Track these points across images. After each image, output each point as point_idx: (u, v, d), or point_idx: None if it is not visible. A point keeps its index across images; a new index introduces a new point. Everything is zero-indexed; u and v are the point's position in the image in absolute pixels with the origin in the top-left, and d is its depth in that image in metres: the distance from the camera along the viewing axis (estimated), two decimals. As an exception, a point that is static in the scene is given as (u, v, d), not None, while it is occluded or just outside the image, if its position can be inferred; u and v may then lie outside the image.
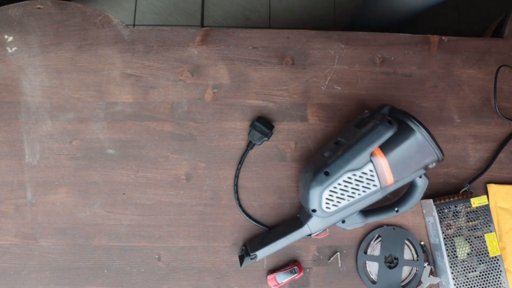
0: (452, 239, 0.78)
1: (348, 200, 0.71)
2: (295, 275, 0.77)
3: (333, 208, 0.71)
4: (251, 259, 0.75)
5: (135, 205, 0.82)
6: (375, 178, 0.69)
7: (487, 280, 0.77)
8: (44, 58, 0.85)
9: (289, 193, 0.82)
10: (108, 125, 0.84)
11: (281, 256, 0.81)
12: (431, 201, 0.79)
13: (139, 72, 0.85)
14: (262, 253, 0.75)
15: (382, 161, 0.69)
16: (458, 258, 0.77)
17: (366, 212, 0.76)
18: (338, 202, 0.70)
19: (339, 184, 0.69)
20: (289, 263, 0.80)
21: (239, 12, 1.64)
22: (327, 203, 0.70)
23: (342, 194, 0.70)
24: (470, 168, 0.84)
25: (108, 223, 0.81)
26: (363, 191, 0.70)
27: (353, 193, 0.70)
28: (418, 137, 0.69)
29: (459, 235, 0.78)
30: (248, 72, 0.86)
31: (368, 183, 0.70)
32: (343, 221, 0.74)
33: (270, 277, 0.78)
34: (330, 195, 0.70)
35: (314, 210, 0.71)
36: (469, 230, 0.78)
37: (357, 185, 0.70)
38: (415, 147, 0.69)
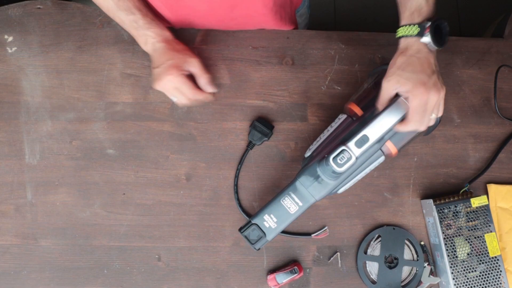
0: (452, 239, 0.78)
1: (323, 135, 0.74)
2: (295, 275, 0.77)
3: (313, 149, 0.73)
4: (249, 226, 0.72)
5: (135, 205, 0.82)
6: None
7: (487, 280, 0.77)
8: (44, 58, 0.85)
9: (289, 193, 0.82)
10: (108, 125, 0.84)
11: (281, 256, 0.81)
12: (431, 201, 0.79)
13: (139, 72, 0.85)
14: (260, 217, 0.72)
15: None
16: (458, 258, 0.77)
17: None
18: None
19: None
20: (289, 263, 0.80)
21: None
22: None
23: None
24: (470, 168, 0.84)
25: (108, 223, 0.81)
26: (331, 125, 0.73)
27: None
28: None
29: (459, 235, 0.78)
30: (248, 72, 0.86)
31: None
32: (335, 160, 0.67)
33: (270, 277, 0.78)
34: None
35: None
36: (469, 230, 0.78)
37: None
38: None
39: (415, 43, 0.62)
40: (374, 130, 0.64)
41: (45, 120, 0.83)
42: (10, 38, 0.86)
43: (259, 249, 0.72)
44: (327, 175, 0.68)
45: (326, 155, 0.67)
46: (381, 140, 0.68)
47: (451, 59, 0.87)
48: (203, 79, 0.76)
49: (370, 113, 0.70)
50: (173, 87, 0.74)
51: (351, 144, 0.65)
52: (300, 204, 0.71)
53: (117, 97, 0.84)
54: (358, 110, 0.72)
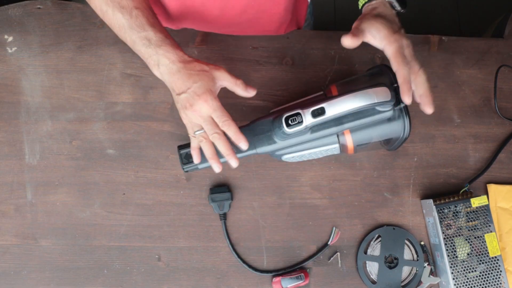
0: (452, 239, 0.78)
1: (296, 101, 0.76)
2: (301, 281, 0.77)
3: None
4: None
5: (135, 205, 0.82)
6: None
7: (487, 280, 0.77)
8: (44, 58, 0.85)
9: (289, 193, 0.82)
10: (108, 125, 0.84)
11: (281, 256, 0.81)
12: (431, 201, 0.79)
13: (139, 72, 0.85)
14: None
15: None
16: (458, 258, 0.77)
17: None
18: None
19: None
20: (296, 269, 0.80)
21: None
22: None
23: None
24: (470, 168, 0.84)
25: (108, 223, 0.81)
26: None
27: None
28: None
29: (459, 235, 0.78)
30: (248, 72, 0.86)
31: None
32: (287, 120, 0.67)
33: (275, 279, 0.78)
34: None
35: None
36: (469, 230, 0.78)
37: None
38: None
39: (380, 5, 0.66)
40: (333, 106, 0.66)
41: (45, 120, 0.83)
42: (10, 38, 0.86)
43: (186, 171, 0.72)
44: (276, 133, 0.69)
45: (282, 114, 0.68)
46: (338, 123, 0.69)
47: (451, 59, 0.87)
48: (238, 86, 0.67)
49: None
50: (206, 115, 0.65)
51: (307, 111, 0.67)
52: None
53: (117, 97, 0.84)
54: (335, 91, 0.73)
